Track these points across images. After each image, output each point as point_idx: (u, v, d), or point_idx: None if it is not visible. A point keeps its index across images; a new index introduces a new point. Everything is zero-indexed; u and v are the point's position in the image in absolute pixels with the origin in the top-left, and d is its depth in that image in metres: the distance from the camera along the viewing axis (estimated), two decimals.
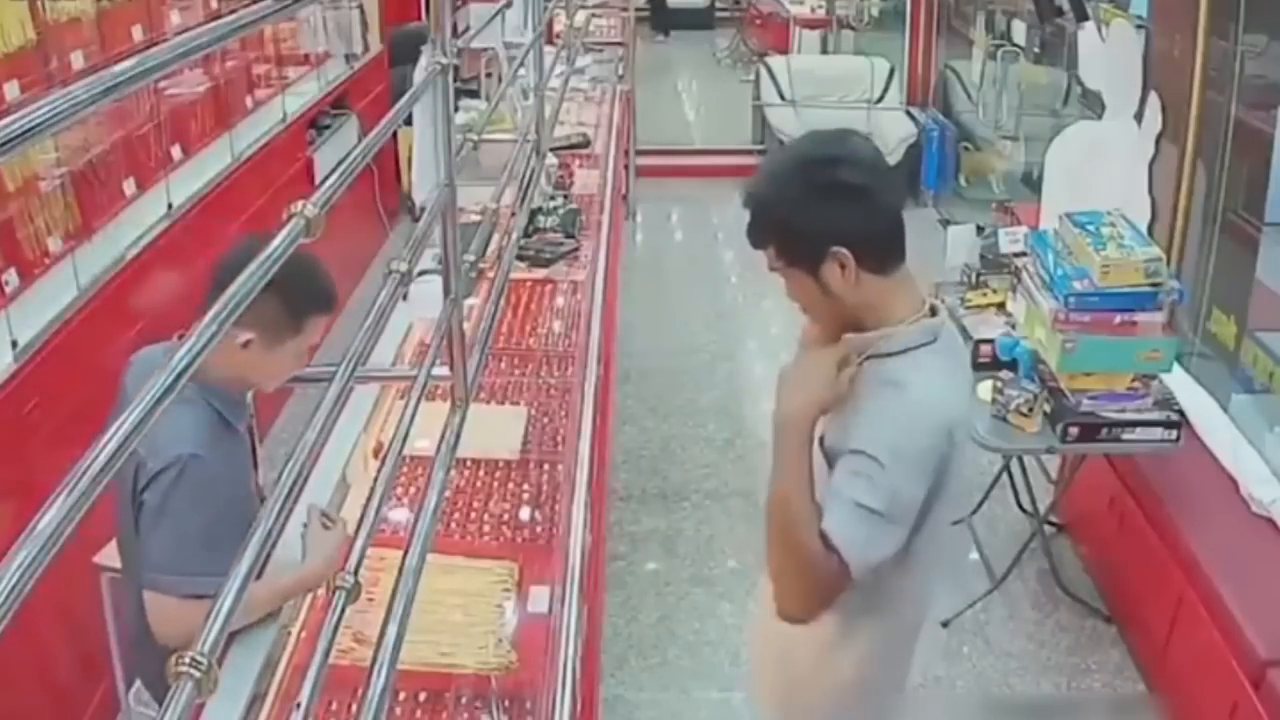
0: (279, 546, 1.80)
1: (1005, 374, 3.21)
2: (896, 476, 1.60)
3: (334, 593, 1.08)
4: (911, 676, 2.02)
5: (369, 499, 1.24)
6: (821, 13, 10.05)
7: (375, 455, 2.28)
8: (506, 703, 1.68)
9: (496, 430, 2.40)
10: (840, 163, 1.68)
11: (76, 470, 0.72)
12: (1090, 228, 3.05)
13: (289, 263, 1.53)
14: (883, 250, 1.68)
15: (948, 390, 1.71)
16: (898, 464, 1.60)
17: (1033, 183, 5.66)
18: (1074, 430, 3.03)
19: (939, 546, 1.80)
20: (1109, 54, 3.89)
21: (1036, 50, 6.26)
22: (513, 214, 2.86)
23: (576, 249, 3.47)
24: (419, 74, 2.00)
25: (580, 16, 5.53)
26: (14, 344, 2.72)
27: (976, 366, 3.38)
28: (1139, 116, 3.73)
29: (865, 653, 1.84)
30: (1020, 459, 3.68)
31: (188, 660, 0.76)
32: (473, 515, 2.13)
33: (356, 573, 1.11)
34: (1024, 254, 3.37)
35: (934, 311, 1.71)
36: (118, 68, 0.83)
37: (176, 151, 3.77)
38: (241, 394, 1.88)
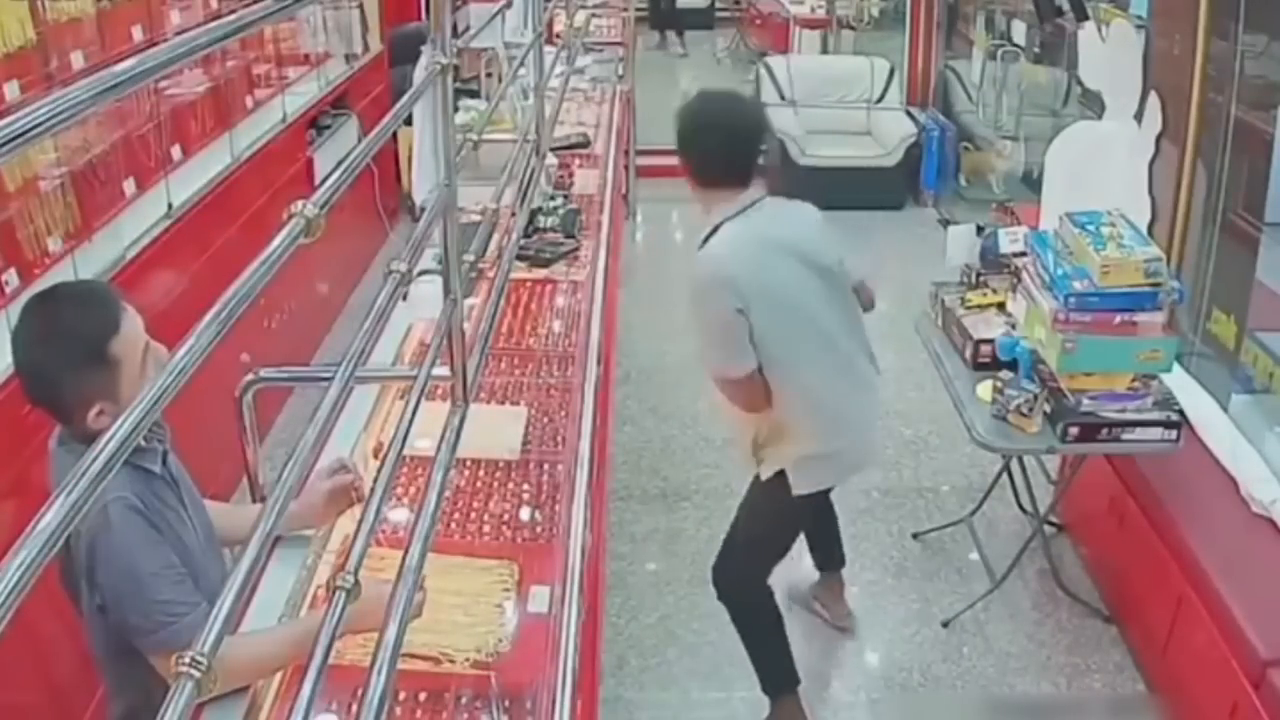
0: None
1: (1005, 374, 3.21)
2: (703, 321, 2.70)
3: (334, 593, 1.08)
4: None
5: (369, 499, 1.24)
6: (821, 13, 10.05)
7: (375, 455, 2.28)
8: (507, 703, 1.68)
9: (496, 430, 2.40)
10: (698, 116, 2.86)
11: (76, 470, 0.72)
12: (1090, 228, 3.04)
13: (67, 333, 1.61)
14: (708, 175, 2.82)
15: (723, 258, 2.70)
16: (698, 312, 2.71)
17: (1033, 183, 5.66)
18: (1074, 430, 3.03)
19: (788, 336, 2.67)
20: (1109, 54, 3.89)
21: (1036, 50, 6.26)
22: (513, 214, 2.86)
23: (576, 249, 3.47)
24: (419, 74, 2.00)
25: (580, 16, 5.53)
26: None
27: (976, 366, 3.38)
28: (1139, 116, 3.73)
29: (787, 409, 2.73)
30: (1020, 459, 3.68)
31: (188, 660, 0.76)
32: (473, 515, 2.13)
33: (356, 573, 1.11)
34: (1024, 254, 3.36)
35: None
36: (118, 68, 0.83)
37: (176, 151, 3.77)
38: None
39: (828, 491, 3.00)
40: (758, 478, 2.90)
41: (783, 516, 2.95)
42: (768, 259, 2.68)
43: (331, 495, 2.03)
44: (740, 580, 3.03)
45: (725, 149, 2.79)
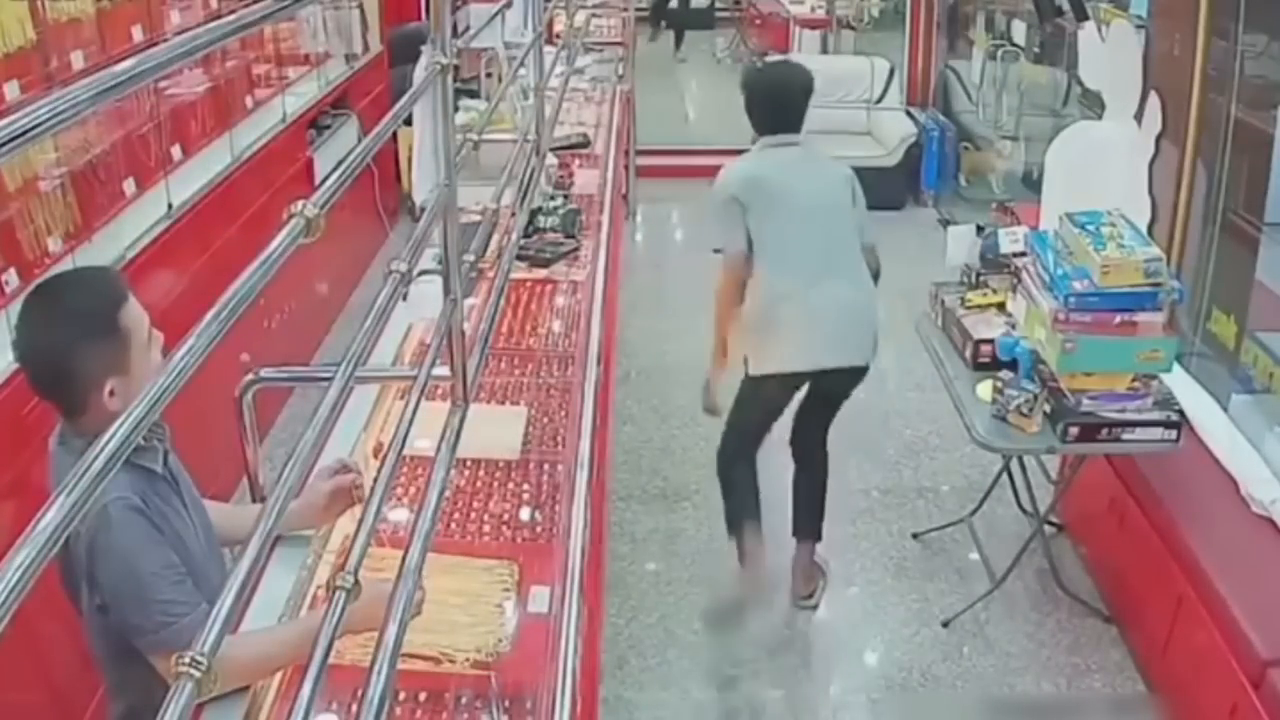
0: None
1: (1005, 374, 3.21)
2: (711, 206, 3.39)
3: (334, 593, 1.08)
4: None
5: (369, 499, 1.24)
6: (821, 13, 10.05)
7: (375, 455, 2.28)
8: (507, 703, 1.68)
9: (496, 430, 2.40)
10: (756, 79, 3.62)
11: (77, 470, 0.72)
12: (1090, 228, 3.04)
13: (75, 313, 1.61)
14: (756, 123, 3.44)
15: (742, 165, 3.40)
16: (713, 203, 3.37)
17: (1033, 183, 5.66)
18: (1074, 430, 3.03)
19: (772, 233, 3.24)
20: (1109, 54, 3.89)
21: (1036, 50, 6.26)
22: (513, 214, 2.86)
23: (576, 249, 3.47)
24: (419, 74, 2.00)
25: (580, 16, 5.54)
26: (13, 344, 2.72)
27: (976, 366, 3.38)
28: (1139, 116, 3.73)
29: (761, 295, 3.29)
30: (1020, 459, 3.68)
31: (188, 660, 0.76)
32: (473, 515, 2.13)
33: (356, 573, 1.11)
34: (1024, 254, 3.36)
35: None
36: (118, 68, 0.83)
37: (176, 151, 3.77)
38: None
39: (792, 388, 3.39)
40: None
41: (751, 400, 3.43)
42: (775, 174, 3.31)
43: (332, 495, 2.03)
44: (724, 459, 3.53)
45: (772, 105, 3.42)
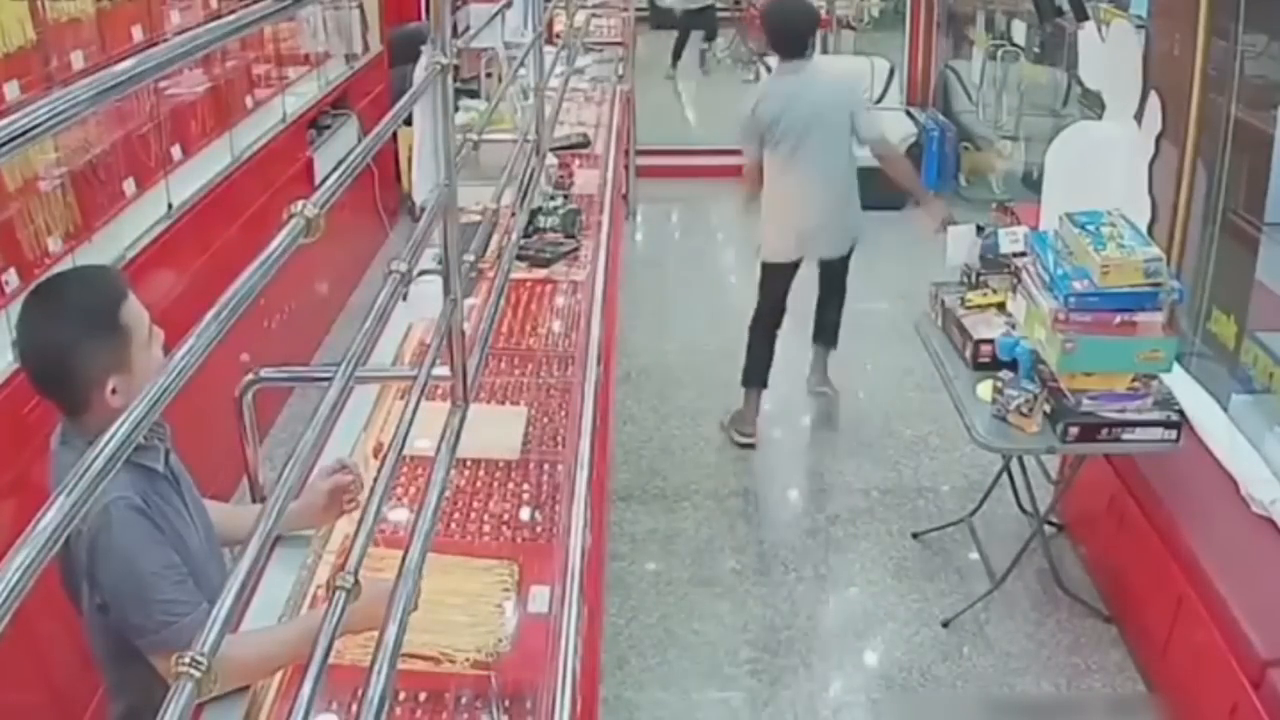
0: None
1: (1005, 374, 3.20)
2: (740, 124, 4.32)
3: (334, 593, 1.08)
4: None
5: (369, 499, 1.24)
6: (821, 13, 10.05)
7: (375, 455, 2.28)
8: (507, 703, 1.68)
9: (496, 430, 2.40)
10: (772, 9, 4.43)
11: (77, 469, 0.72)
12: (1090, 228, 3.04)
13: (78, 308, 1.63)
14: (775, 45, 4.35)
15: (771, 84, 4.44)
16: (741, 119, 4.31)
17: (1033, 183, 5.67)
18: (1074, 430, 3.03)
19: (782, 140, 4.19)
20: (1109, 54, 3.89)
21: (1036, 50, 6.26)
22: (513, 214, 2.86)
23: (576, 249, 3.47)
24: (419, 74, 2.00)
25: (580, 16, 5.54)
26: (14, 343, 2.72)
27: (976, 366, 3.38)
28: (1139, 116, 3.73)
29: (769, 193, 4.31)
30: (1020, 459, 3.68)
31: (188, 660, 0.76)
32: (473, 515, 2.13)
33: (356, 573, 1.11)
34: (1024, 254, 3.36)
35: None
36: (118, 68, 0.83)
37: (176, 151, 3.77)
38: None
39: (789, 271, 4.42)
40: None
41: (765, 282, 4.50)
42: (789, 91, 4.26)
43: (332, 495, 2.03)
44: (752, 329, 4.54)
45: (784, 34, 4.32)
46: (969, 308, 3.57)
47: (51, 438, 1.75)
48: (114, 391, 1.62)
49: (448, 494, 2.14)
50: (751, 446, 4.48)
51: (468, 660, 1.75)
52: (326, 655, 1.01)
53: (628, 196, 6.79)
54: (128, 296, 1.67)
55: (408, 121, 3.43)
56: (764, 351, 4.50)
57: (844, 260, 4.47)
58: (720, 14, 13.04)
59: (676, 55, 11.37)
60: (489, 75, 4.45)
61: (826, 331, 4.71)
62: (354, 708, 1.43)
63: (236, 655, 1.60)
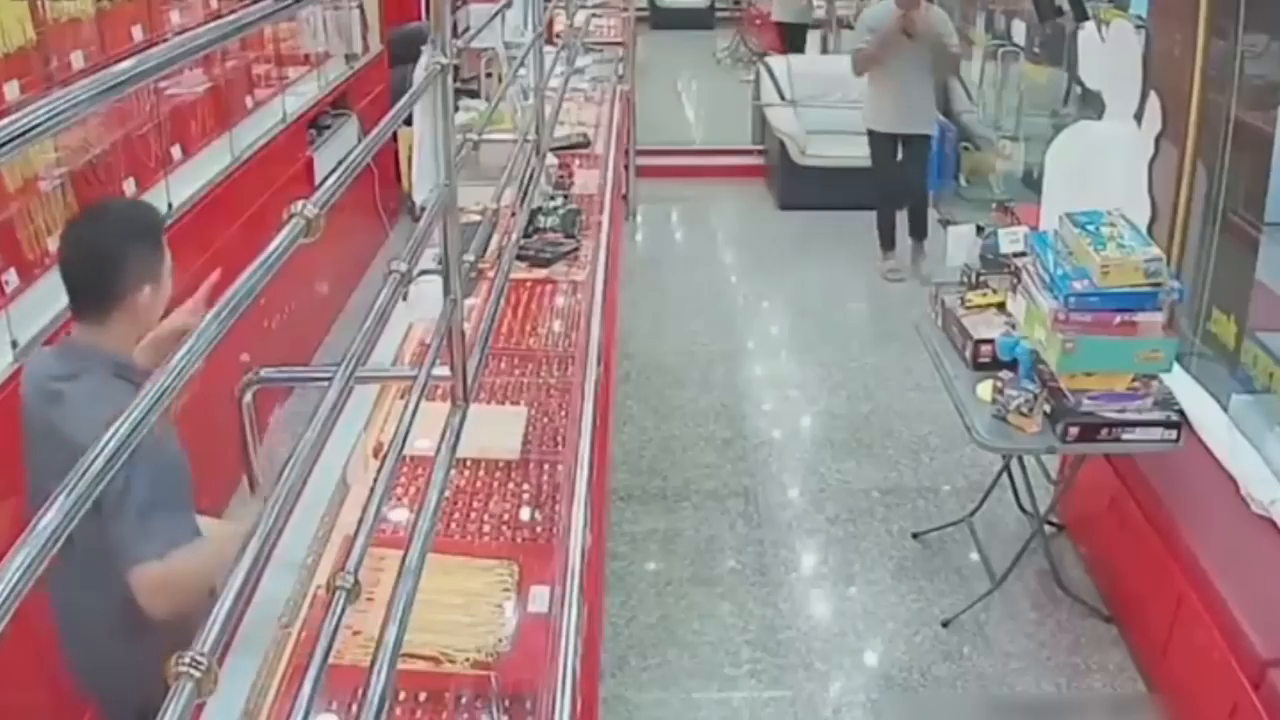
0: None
1: (1005, 374, 3.21)
2: (856, 32, 6.48)
3: (334, 593, 1.08)
4: None
5: (369, 499, 1.24)
6: (821, 13, 10.05)
7: (375, 455, 2.28)
8: (506, 703, 1.68)
9: (496, 430, 2.39)
10: None
11: (76, 470, 0.72)
12: (1090, 228, 3.04)
13: (129, 219, 1.93)
14: None
15: (869, 11, 6.29)
16: (857, 28, 6.46)
17: (1033, 183, 5.66)
18: (1074, 430, 3.03)
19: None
20: (1109, 54, 3.89)
21: (1036, 50, 6.26)
22: (513, 214, 2.86)
23: (576, 249, 3.47)
24: (419, 74, 2.00)
25: (580, 16, 5.54)
26: (14, 344, 2.72)
27: (976, 366, 3.38)
28: (1139, 116, 3.73)
29: (871, 81, 6.15)
30: (1020, 459, 3.68)
31: (188, 660, 0.76)
32: (473, 515, 2.13)
33: (356, 573, 1.11)
34: (1024, 254, 3.36)
35: None
36: (118, 68, 0.83)
37: (176, 151, 3.77)
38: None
39: (887, 141, 6.12)
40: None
41: (873, 150, 6.20)
42: (886, 12, 5.87)
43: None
44: (879, 202, 6.24)
45: None
46: (969, 308, 3.57)
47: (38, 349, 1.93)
48: (149, 294, 1.88)
49: (448, 494, 2.13)
50: (901, 280, 6.10)
51: (468, 660, 1.75)
52: (326, 655, 1.01)
53: (628, 196, 6.79)
54: (166, 225, 1.99)
55: (408, 121, 3.43)
56: (889, 221, 6.24)
57: (921, 139, 6.15)
58: (720, 14, 13.08)
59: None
60: (489, 75, 4.45)
61: (916, 226, 6.29)
62: (354, 708, 1.43)
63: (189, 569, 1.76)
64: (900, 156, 6.17)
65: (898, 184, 6.21)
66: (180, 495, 1.82)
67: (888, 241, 6.31)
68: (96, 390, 1.79)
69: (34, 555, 0.65)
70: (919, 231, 6.34)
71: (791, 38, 10.33)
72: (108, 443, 0.74)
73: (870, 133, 6.16)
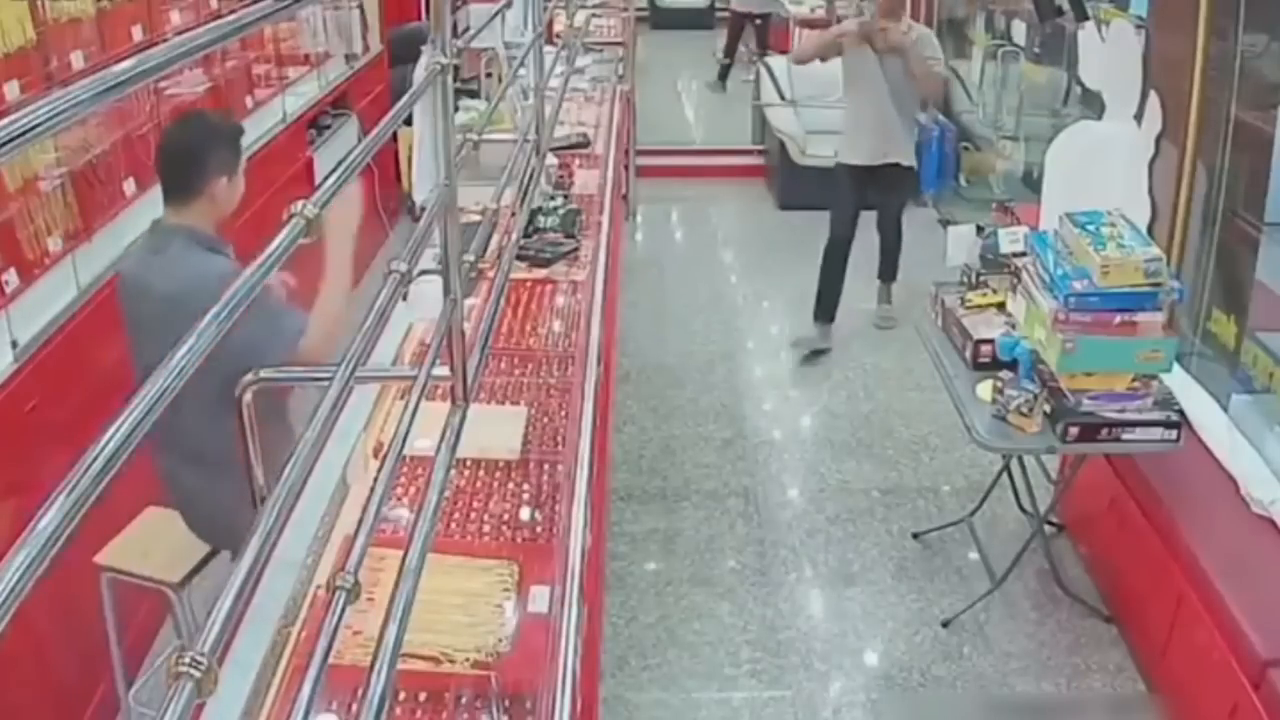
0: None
1: (1005, 374, 3.20)
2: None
3: (334, 593, 1.08)
4: None
5: (369, 499, 1.24)
6: (821, 13, 10.05)
7: (375, 455, 2.28)
8: (506, 703, 1.68)
9: (496, 430, 2.40)
10: None
11: (77, 470, 0.72)
12: (1090, 228, 3.04)
13: (212, 126, 2.53)
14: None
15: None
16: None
17: (1033, 183, 5.66)
18: (1074, 430, 3.03)
19: (854, 78, 5.19)
20: (1109, 54, 3.89)
21: (1036, 50, 6.26)
22: (513, 214, 2.86)
23: (576, 249, 3.47)
24: (419, 74, 2.00)
25: (580, 16, 5.54)
26: (14, 344, 2.72)
27: (976, 366, 3.38)
28: (1139, 116, 3.73)
29: (845, 113, 5.41)
30: (1020, 459, 3.68)
31: (188, 660, 0.76)
32: (473, 515, 2.13)
33: (356, 573, 1.11)
34: (1024, 254, 3.36)
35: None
36: (118, 68, 0.83)
37: None
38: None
39: (854, 177, 5.24)
40: None
41: (839, 185, 5.30)
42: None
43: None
44: (827, 250, 5.30)
45: None
46: (969, 308, 3.57)
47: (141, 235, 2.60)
48: (226, 184, 2.37)
49: (448, 494, 2.14)
50: (892, 327, 5.49)
51: (468, 660, 1.75)
52: (326, 655, 1.01)
53: (628, 196, 6.79)
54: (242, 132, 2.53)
55: (408, 121, 3.43)
56: (836, 278, 5.37)
57: (891, 171, 5.23)
58: (720, 14, 13.05)
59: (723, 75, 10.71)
60: (489, 75, 4.45)
61: (886, 265, 5.58)
62: (354, 708, 1.43)
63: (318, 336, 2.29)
64: (871, 195, 5.33)
65: (852, 227, 5.28)
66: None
67: (827, 307, 5.32)
68: (182, 255, 2.31)
69: (34, 555, 0.65)
70: (888, 273, 5.59)
71: (757, 32, 10.39)
72: (111, 438, 0.74)
73: (839, 166, 5.33)
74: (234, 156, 2.41)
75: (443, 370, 1.68)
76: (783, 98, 7.62)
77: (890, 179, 5.28)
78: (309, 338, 2.29)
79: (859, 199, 5.29)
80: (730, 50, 10.63)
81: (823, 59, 5.29)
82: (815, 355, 5.29)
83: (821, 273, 5.30)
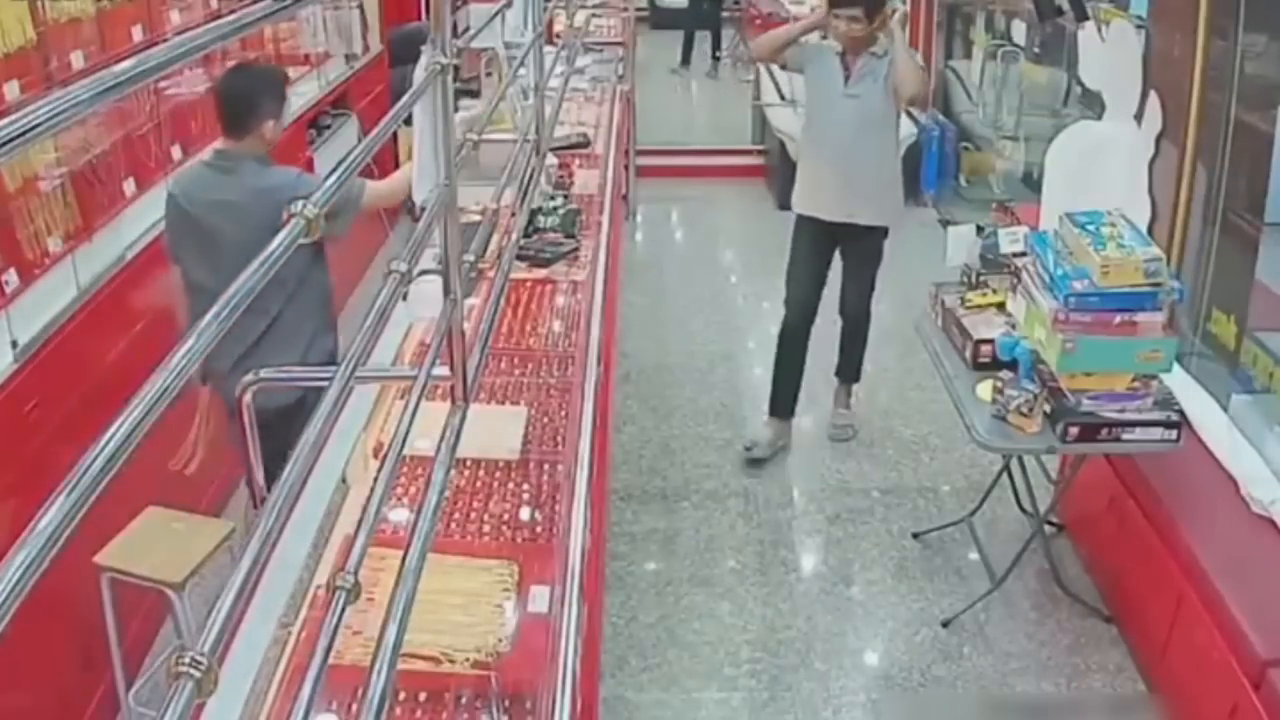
0: None
1: (1005, 374, 3.20)
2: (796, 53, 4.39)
3: (334, 593, 1.08)
4: None
5: (369, 499, 1.24)
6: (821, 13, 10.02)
7: (375, 455, 2.28)
8: (507, 703, 1.68)
9: (496, 430, 2.40)
10: None
11: (77, 470, 0.72)
12: (1090, 228, 3.04)
13: (262, 76, 3.07)
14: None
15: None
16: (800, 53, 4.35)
17: (1033, 183, 5.66)
18: (1074, 430, 3.03)
19: (813, 115, 4.30)
20: (1109, 54, 3.89)
21: (1036, 50, 6.25)
22: (513, 214, 2.86)
23: (576, 249, 3.47)
24: (419, 74, 2.00)
25: (580, 16, 5.54)
26: (14, 344, 2.72)
27: (976, 366, 3.38)
28: (1139, 116, 3.73)
29: (800, 155, 4.41)
30: (1020, 459, 3.68)
31: (188, 660, 0.76)
32: (473, 515, 2.13)
33: (356, 573, 1.11)
34: (1024, 254, 3.36)
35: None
36: (118, 68, 0.83)
37: (176, 151, 3.77)
38: None
39: (813, 232, 4.21)
40: None
41: (794, 237, 4.29)
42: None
43: None
44: (783, 331, 4.36)
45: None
46: (969, 308, 3.57)
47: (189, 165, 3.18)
48: (271, 126, 2.87)
49: (448, 494, 2.13)
50: (849, 439, 4.58)
51: (468, 660, 1.75)
52: (326, 655, 1.01)
53: (628, 196, 6.79)
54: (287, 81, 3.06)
55: (408, 121, 3.42)
56: (794, 369, 4.45)
57: (861, 231, 4.19)
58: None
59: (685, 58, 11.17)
60: (489, 75, 4.45)
61: (847, 361, 4.56)
62: (354, 708, 1.43)
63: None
64: (836, 261, 4.29)
65: (811, 304, 4.26)
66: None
67: (784, 402, 4.39)
68: (258, 170, 2.84)
69: (34, 555, 0.65)
70: (849, 371, 4.50)
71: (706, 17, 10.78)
72: (109, 441, 0.74)
73: (797, 218, 4.26)
74: (279, 101, 2.91)
75: (443, 370, 1.68)
76: (783, 98, 7.62)
77: (857, 244, 4.19)
78: (374, 188, 3.00)
79: (820, 263, 4.23)
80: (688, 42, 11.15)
81: (783, 66, 4.51)
82: (765, 461, 4.32)
83: (776, 363, 4.38)
